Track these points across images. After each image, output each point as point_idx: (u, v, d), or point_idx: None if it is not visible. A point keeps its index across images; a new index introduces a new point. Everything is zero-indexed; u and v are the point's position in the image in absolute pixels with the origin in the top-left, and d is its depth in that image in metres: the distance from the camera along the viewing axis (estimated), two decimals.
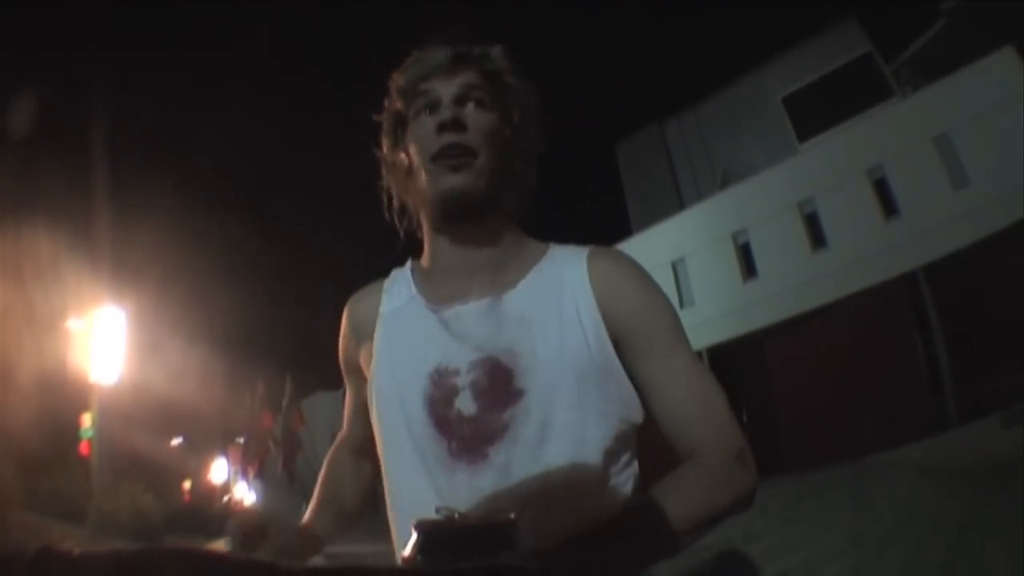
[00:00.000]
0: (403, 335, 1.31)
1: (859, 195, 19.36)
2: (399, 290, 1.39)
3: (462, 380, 1.21)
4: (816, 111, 21.55)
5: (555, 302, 1.26)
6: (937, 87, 18.42)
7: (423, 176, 1.30)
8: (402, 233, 1.44)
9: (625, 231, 27.57)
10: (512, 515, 0.76)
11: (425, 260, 1.41)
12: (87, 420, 16.24)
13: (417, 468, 1.21)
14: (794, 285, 20.18)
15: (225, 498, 38.49)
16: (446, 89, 1.31)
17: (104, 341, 16.03)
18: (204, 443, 37.21)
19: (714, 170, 25.60)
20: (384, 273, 1.46)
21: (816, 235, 20.44)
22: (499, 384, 1.20)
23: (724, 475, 1.15)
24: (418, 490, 1.20)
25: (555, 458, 1.16)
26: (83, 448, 16.43)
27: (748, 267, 22.04)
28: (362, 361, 1.39)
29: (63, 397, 16.03)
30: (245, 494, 39.33)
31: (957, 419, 15.44)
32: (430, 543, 0.71)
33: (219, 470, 39.42)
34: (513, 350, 1.21)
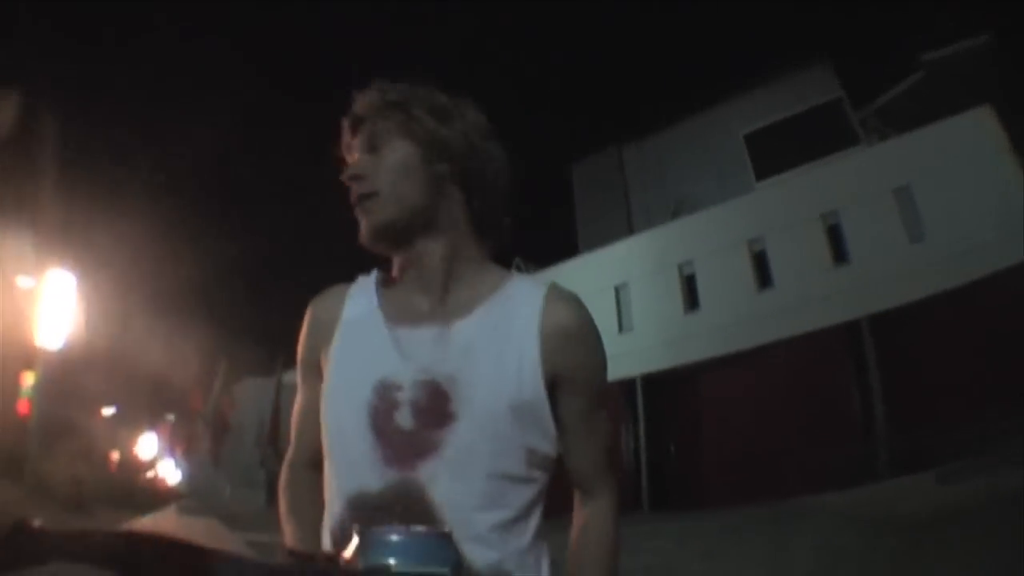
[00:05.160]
0: (358, 344, 1.40)
1: (811, 238, 19.32)
2: (361, 299, 1.46)
3: (403, 396, 1.31)
4: (777, 151, 21.53)
5: (502, 337, 1.34)
6: (905, 139, 18.49)
7: None
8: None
9: (572, 250, 27.40)
10: (448, 529, 0.92)
11: (391, 276, 1.49)
12: (28, 379, 16.56)
13: (352, 470, 1.31)
14: (735, 321, 20.05)
15: (150, 473, 39.65)
16: (362, 138, 1.43)
17: (53, 305, 16.15)
18: (134, 416, 38.22)
19: (668, 199, 25.53)
20: (349, 278, 1.52)
21: (763, 274, 20.37)
22: (436, 406, 1.29)
23: (614, 519, 1.44)
24: (350, 491, 1.30)
25: (474, 479, 1.27)
26: (21, 406, 16.58)
27: (691, 299, 21.91)
28: (322, 362, 1.45)
29: (4, 352, 16.02)
30: (170, 472, 40.97)
31: (888, 471, 15.23)
32: (369, 547, 0.78)
33: (147, 445, 40.72)
34: (454, 377, 1.30)
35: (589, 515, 1.43)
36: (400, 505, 1.25)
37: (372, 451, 1.29)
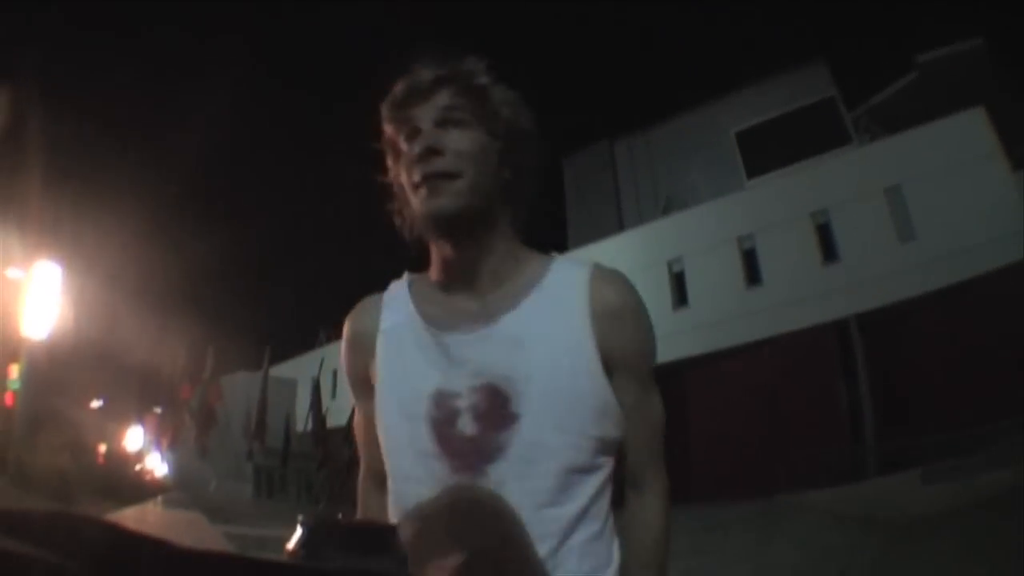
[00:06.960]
0: (403, 354, 1.36)
1: (800, 237, 19.35)
2: (399, 308, 1.41)
3: (462, 403, 1.27)
4: (769, 149, 21.51)
5: (552, 324, 1.29)
6: (897, 139, 18.52)
7: (414, 200, 1.33)
8: (413, 251, 1.45)
9: (561, 246, 27.21)
10: (394, 522, 0.96)
11: (430, 274, 1.44)
12: (14, 371, 16.67)
13: (420, 483, 1.26)
14: (724, 318, 20.04)
15: (138, 466, 39.71)
16: (426, 114, 1.32)
17: (39, 296, 16.20)
18: (122, 409, 38.19)
19: (658, 196, 25.47)
20: (383, 287, 1.48)
21: (752, 271, 20.37)
22: (496, 408, 1.26)
23: (664, 510, 1.41)
24: (418, 504, 1.22)
25: (542, 476, 1.24)
26: (7, 398, 16.77)
27: (680, 296, 21.87)
28: (371, 374, 1.42)
29: None
30: (158, 464, 41.27)
31: (875, 470, 15.26)
32: (312, 539, 0.75)
33: (134, 438, 40.89)
34: (509, 376, 1.26)
35: (638, 508, 1.39)
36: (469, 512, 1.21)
37: (438, 462, 1.27)
